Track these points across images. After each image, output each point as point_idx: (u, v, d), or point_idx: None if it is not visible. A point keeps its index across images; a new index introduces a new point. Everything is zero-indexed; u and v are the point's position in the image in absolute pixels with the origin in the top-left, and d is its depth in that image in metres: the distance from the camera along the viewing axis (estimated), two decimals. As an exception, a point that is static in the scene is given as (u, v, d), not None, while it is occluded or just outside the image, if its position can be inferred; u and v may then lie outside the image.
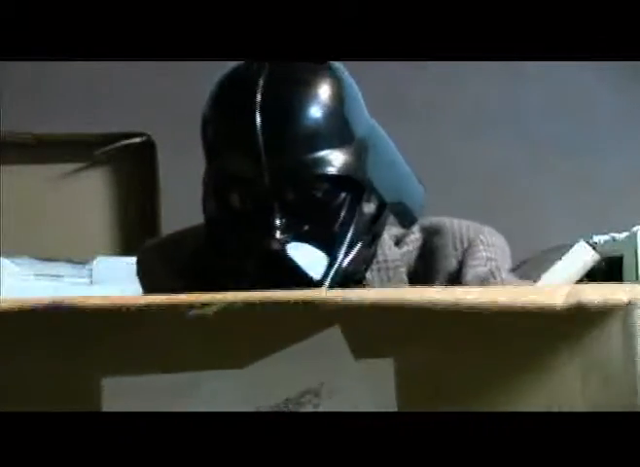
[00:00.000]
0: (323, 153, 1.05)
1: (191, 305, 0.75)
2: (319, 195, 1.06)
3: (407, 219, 1.15)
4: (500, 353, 0.75)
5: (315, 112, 1.05)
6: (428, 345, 0.75)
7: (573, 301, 0.74)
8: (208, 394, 0.76)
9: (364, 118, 1.11)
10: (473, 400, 0.75)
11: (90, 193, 1.37)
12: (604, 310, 0.74)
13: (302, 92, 1.05)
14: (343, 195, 1.08)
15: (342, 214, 1.07)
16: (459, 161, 2.46)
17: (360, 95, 1.11)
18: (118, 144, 1.27)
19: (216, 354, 0.76)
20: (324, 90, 1.06)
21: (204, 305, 0.75)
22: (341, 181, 1.07)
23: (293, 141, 1.04)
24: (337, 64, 1.10)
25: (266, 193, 1.04)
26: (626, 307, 0.74)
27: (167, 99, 2.19)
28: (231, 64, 1.09)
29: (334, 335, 0.75)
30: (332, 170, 1.05)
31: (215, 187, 1.08)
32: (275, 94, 1.04)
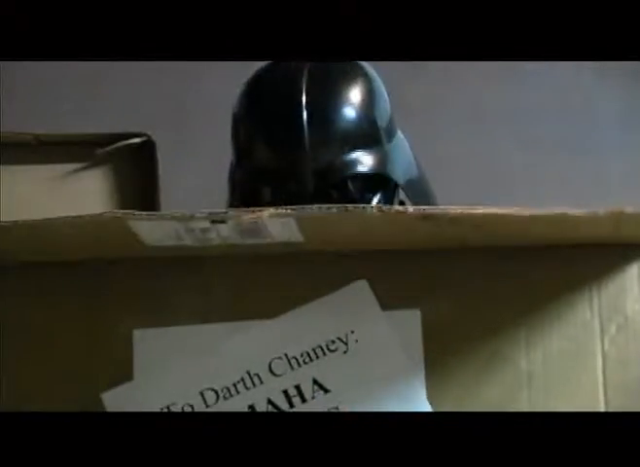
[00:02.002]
0: (359, 152, 1.07)
1: None
2: (354, 193, 1.07)
3: None
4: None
5: (353, 112, 1.07)
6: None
7: None
8: (238, 344, 0.77)
9: (391, 118, 1.13)
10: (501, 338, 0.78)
11: (90, 193, 1.37)
12: None
13: (343, 93, 1.08)
14: (377, 194, 1.09)
15: None
16: (458, 160, 2.46)
17: (386, 95, 1.13)
18: (118, 144, 1.27)
19: (247, 306, 0.78)
20: (360, 91, 1.09)
21: None
22: (375, 180, 1.09)
23: (334, 140, 1.06)
24: (366, 64, 1.12)
25: (301, 189, 1.05)
26: None
27: (167, 99, 2.19)
28: (260, 65, 1.10)
29: (362, 286, 0.77)
30: (367, 169, 1.07)
31: (245, 184, 1.09)
32: (318, 94, 1.07)
